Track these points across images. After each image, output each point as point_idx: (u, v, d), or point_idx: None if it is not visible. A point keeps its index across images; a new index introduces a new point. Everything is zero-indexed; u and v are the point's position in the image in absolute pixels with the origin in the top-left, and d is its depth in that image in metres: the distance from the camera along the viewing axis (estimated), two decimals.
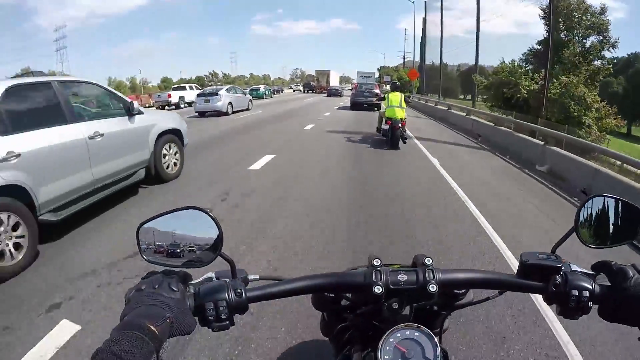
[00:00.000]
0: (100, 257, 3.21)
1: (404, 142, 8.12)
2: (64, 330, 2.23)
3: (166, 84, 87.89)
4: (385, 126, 7.97)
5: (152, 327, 0.45)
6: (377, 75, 48.11)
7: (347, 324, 0.72)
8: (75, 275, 2.92)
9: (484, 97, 26.28)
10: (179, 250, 0.59)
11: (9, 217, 2.98)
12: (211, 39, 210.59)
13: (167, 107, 21.09)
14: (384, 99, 9.38)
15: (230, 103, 16.31)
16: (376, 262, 0.61)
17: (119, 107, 4.60)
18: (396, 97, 8.09)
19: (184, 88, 24.95)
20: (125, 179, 4.50)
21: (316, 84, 49.51)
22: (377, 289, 0.57)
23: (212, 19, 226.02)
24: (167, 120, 5.55)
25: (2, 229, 2.92)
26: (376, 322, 0.63)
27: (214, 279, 0.60)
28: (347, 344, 0.71)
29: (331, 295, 0.69)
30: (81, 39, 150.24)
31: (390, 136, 7.92)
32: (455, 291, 0.67)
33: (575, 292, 0.58)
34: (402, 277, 0.59)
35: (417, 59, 45.36)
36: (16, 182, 3.05)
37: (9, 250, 2.96)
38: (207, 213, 0.59)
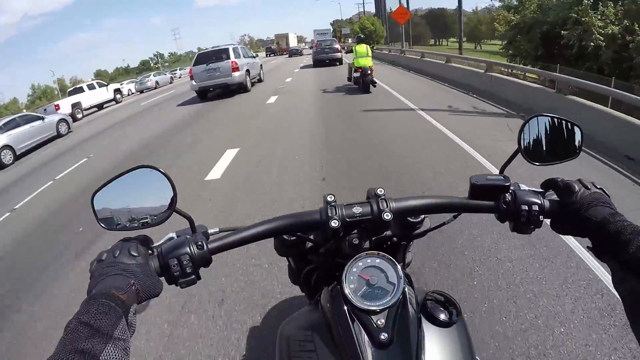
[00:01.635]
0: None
1: (374, 86, 9.16)
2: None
3: (100, 78, 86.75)
4: (356, 74, 9.16)
5: (117, 294, 0.46)
6: (331, 30, 50.05)
7: (313, 266, 0.75)
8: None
9: (502, 43, 19.69)
10: (135, 213, 0.59)
11: (247, 77, 12.92)
12: (155, 20, 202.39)
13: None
14: (351, 51, 10.39)
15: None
16: (330, 199, 0.63)
17: (252, 54, 14.60)
18: (363, 49, 9.15)
19: (80, 90, 17.93)
20: (255, 78, 14.52)
21: (277, 47, 52.76)
22: (334, 223, 0.59)
23: None
24: (258, 61, 15.63)
25: (248, 79, 12.94)
26: (340, 260, 0.64)
27: (175, 238, 0.60)
28: (317, 288, 0.74)
29: (292, 238, 0.69)
30: (19, 43, 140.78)
31: (362, 82, 9.07)
32: (411, 219, 0.69)
33: (525, 207, 0.60)
34: (357, 209, 0.61)
35: (372, 9, 45.34)
36: (247, 68, 12.93)
37: (249, 83, 12.98)
38: (158, 170, 0.59)
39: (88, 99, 17.80)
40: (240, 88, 12.49)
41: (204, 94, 12.81)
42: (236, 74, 12.05)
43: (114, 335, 0.42)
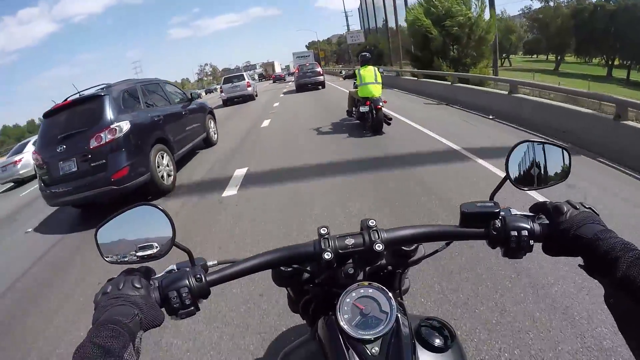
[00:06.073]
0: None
1: (388, 124, 7.09)
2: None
3: (4, 138, 67.03)
4: (364, 108, 6.90)
5: (124, 321, 0.52)
6: (312, 53, 48.91)
7: (310, 295, 0.79)
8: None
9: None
10: (137, 248, 0.66)
11: (254, 91, 23.23)
12: (130, 53, 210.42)
13: None
14: (354, 75, 7.55)
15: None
16: (323, 231, 0.68)
17: (255, 79, 24.79)
18: (369, 73, 7.01)
19: None
20: (255, 92, 24.71)
21: (265, 73, 68.62)
22: (327, 255, 0.64)
23: (128, 32, 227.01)
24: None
25: (255, 92, 23.14)
26: (336, 289, 0.68)
27: (175, 270, 0.66)
28: (316, 317, 0.77)
29: (289, 269, 0.73)
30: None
31: (372, 118, 6.89)
32: (404, 248, 0.74)
33: (515, 233, 0.64)
34: (349, 241, 0.66)
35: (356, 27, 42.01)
36: (253, 85, 23.33)
37: (255, 95, 23.17)
38: (156, 207, 0.66)
39: None
40: (251, 98, 22.29)
41: (226, 103, 21.90)
42: (249, 88, 21.60)
43: (124, 358, 0.48)
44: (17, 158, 12.01)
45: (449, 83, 10.06)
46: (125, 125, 5.09)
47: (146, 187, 5.36)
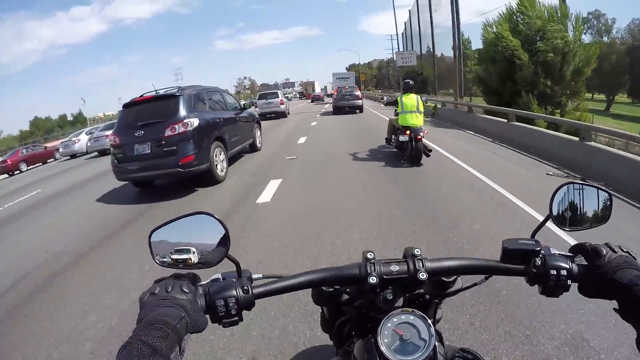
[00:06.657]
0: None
1: (428, 156, 6.90)
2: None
3: (34, 129, 63.65)
4: (404, 137, 6.78)
5: (172, 323, 0.53)
6: (353, 75, 45.56)
7: (347, 317, 0.80)
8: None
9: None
10: (188, 254, 0.67)
11: (287, 109, 24.44)
12: (174, 60, 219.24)
13: None
14: (395, 102, 7.41)
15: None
16: (369, 256, 0.69)
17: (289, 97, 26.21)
18: (412, 101, 6.90)
19: None
20: (287, 110, 25.91)
21: (305, 92, 69.98)
22: (372, 280, 0.65)
23: (174, 39, 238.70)
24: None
25: (287, 110, 24.42)
26: (373, 314, 0.69)
27: (221, 280, 0.67)
28: (348, 338, 0.79)
29: (330, 290, 0.75)
30: (43, 71, 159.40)
31: (411, 148, 6.78)
32: (444, 279, 0.75)
33: (554, 272, 0.66)
34: (394, 267, 0.67)
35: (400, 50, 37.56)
36: (286, 103, 24.68)
37: (288, 112, 24.42)
38: (214, 217, 0.68)
39: None
40: (283, 115, 23.44)
41: (262, 117, 23.46)
42: (282, 106, 22.88)
43: (171, 359, 0.50)
44: (107, 132, 14.88)
45: (574, 138, 6.47)
46: (195, 122, 6.08)
47: (204, 175, 6.32)
